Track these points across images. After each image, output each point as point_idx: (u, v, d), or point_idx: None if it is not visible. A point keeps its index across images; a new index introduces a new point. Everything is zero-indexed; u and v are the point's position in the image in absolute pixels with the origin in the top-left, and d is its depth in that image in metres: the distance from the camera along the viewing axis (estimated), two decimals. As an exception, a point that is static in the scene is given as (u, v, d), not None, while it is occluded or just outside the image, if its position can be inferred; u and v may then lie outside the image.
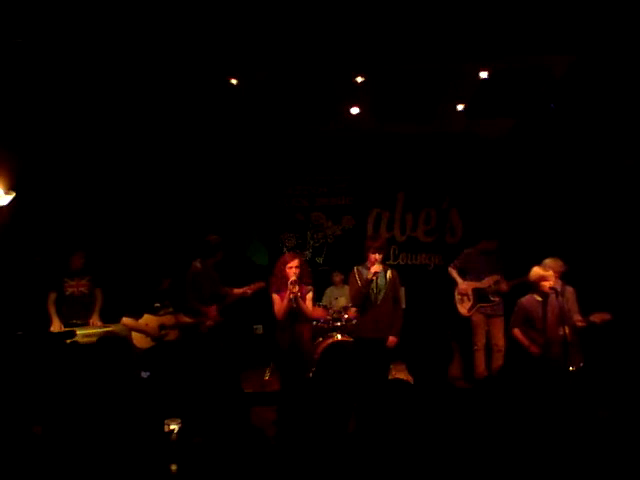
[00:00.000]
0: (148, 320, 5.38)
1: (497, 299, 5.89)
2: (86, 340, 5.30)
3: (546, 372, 4.25)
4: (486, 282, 5.92)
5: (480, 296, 5.93)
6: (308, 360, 4.94)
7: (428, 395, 2.75)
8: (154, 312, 5.47)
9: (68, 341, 5.02)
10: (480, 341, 5.93)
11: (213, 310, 5.36)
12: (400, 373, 5.79)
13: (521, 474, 2.35)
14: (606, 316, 4.55)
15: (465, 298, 5.98)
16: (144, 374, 5.05)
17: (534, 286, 4.66)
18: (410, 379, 2.98)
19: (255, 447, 2.49)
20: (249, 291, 5.49)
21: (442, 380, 3.04)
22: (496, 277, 5.90)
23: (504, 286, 5.84)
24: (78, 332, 5.34)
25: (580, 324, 4.62)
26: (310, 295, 4.71)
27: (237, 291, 5.52)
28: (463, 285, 5.98)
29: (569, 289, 4.84)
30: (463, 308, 6.00)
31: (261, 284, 5.41)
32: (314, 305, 5.19)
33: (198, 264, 5.40)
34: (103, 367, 3.26)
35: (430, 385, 2.92)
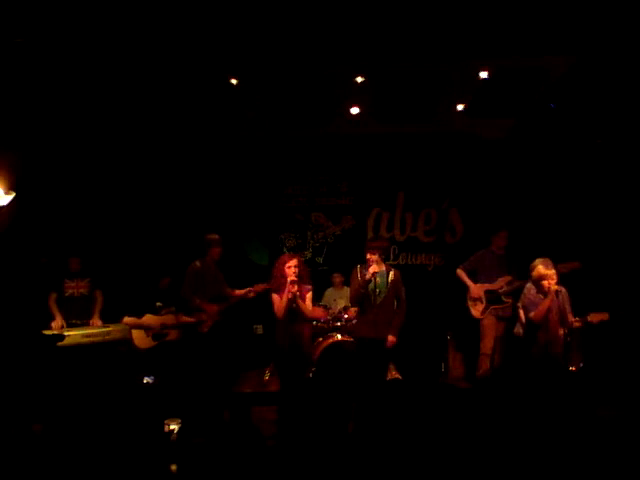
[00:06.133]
0: (149, 319, 5.56)
1: (509, 300, 5.83)
2: (86, 340, 5.34)
3: (546, 372, 4.25)
4: (498, 284, 5.89)
5: (492, 298, 5.90)
6: (308, 360, 4.95)
7: (425, 395, 2.76)
8: (155, 312, 5.66)
9: (59, 344, 5.06)
10: (487, 347, 5.86)
11: (214, 308, 5.39)
12: (398, 373, 5.80)
13: (521, 473, 2.35)
14: (604, 316, 4.53)
15: (478, 301, 5.94)
16: (147, 379, 5.11)
17: (535, 285, 4.67)
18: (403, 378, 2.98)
19: (254, 446, 2.50)
20: (251, 293, 5.50)
21: (436, 379, 3.05)
22: (508, 278, 5.86)
23: (518, 285, 5.65)
24: (78, 332, 5.36)
25: (577, 324, 4.58)
26: (310, 295, 4.71)
27: (239, 292, 5.54)
28: (475, 289, 5.94)
29: (562, 289, 4.82)
30: (476, 311, 5.96)
31: (263, 286, 5.35)
32: (314, 305, 5.19)
33: (198, 263, 5.45)
34: (103, 369, 3.27)
35: (423, 384, 2.94)
